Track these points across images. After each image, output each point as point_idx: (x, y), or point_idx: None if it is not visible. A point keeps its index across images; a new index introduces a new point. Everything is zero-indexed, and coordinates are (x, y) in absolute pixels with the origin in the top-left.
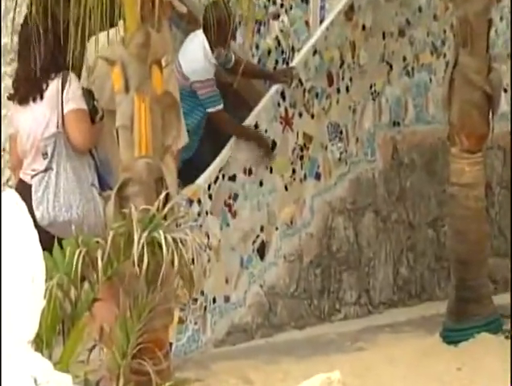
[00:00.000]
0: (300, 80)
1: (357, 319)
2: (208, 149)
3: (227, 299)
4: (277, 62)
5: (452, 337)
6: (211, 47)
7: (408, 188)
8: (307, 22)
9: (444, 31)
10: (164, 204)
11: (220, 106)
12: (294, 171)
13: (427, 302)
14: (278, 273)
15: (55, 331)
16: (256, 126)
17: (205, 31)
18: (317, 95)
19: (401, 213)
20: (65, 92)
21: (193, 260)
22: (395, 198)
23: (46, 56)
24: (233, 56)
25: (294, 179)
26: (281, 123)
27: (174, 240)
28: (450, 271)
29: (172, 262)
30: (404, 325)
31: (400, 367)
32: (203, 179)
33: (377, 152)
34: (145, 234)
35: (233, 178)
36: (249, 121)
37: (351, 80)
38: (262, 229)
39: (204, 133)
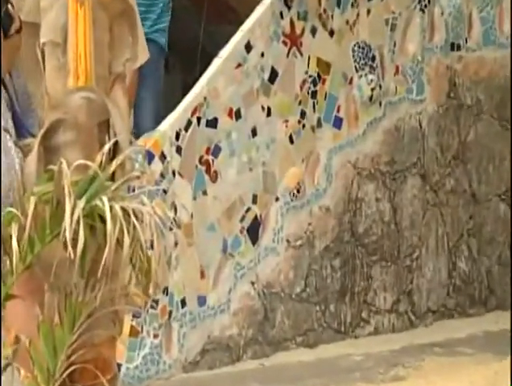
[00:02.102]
0: None
1: (394, 334)
2: (177, 79)
3: (202, 302)
4: None
5: None
6: None
7: (471, 142)
8: None
9: None
10: (111, 159)
11: None
12: (303, 115)
13: (495, 311)
14: (279, 265)
15: None
16: (248, 47)
17: None
18: (339, 2)
19: (460, 179)
20: None
21: (152, 242)
22: (452, 157)
23: None
24: None
25: (303, 127)
26: (285, 43)
27: (124, 211)
28: None
29: (121, 244)
30: (462, 343)
31: None
32: (168, 124)
33: (426, 88)
34: (81, 202)
35: (212, 122)
36: (238, 40)
37: None
38: (254, 200)
39: (172, 51)
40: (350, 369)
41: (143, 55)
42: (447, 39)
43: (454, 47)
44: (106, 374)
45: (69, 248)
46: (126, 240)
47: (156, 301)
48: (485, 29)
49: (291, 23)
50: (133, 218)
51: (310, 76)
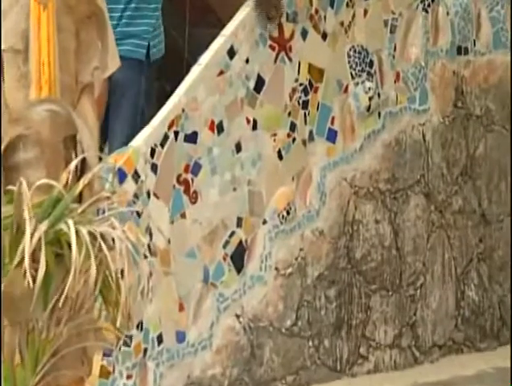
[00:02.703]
0: None
1: (396, 372)
2: (154, 87)
3: (181, 338)
4: None
5: None
6: None
7: (481, 157)
8: None
9: None
10: (78, 178)
11: None
12: (293, 127)
13: (508, 345)
14: (267, 296)
15: None
16: (231, 53)
17: None
18: (332, 1)
19: (468, 198)
20: None
21: (122, 272)
22: (459, 173)
23: None
24: None
25: (293, 141)
26: (272, 48)
27: (92, 236)
28: None
29: (89, 273)
30: (471, 382)
31: None
32: (142, 139)
33: (430, 97)
34: (44, 226)
35: (192, 137)
36: (220, 45)
37: None
38: (239, 223)
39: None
40: None
41: (114, 62)
42: (453, 42)
43: (461, 50)
44: None
45: (28, 277)
46: (93, 268)
47: (130, 338)
48: (496, 30)
49: (280, 25)
50: (102, 243)
51: (300, 84)
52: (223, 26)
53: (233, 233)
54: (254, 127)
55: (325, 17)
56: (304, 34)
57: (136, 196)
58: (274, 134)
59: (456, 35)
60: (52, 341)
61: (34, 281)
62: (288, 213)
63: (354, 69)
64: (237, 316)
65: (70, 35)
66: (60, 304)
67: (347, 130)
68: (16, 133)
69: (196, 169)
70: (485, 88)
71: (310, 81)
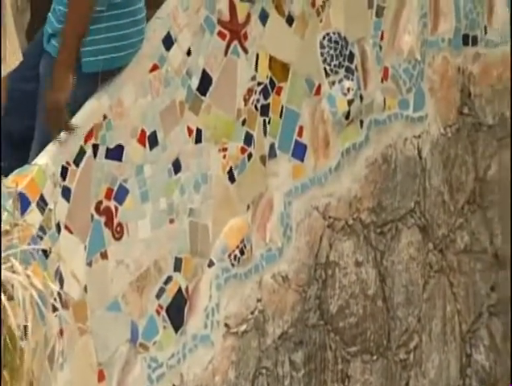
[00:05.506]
0: None
1: None
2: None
3: None
4: None
5: None
6: None
7: (493, 179)
8: None
9: None
10: None
11: None
12: (248, 140)
13: None
14: (213, 361)
15: None
16: (169, 41)
17: None
18: None
19: (477, 234)
20: None
21: (26, 328)
22: (465, 200)
23: None
24: None
25: (248, 157)
26: (222, 36)
27: None
28: None
29: None
30: None
31: None
32: (50, 154)
33: (428, 100)
34: None
35: (116, 152)
36: (153, 31)
37: None
38: (177, 265)
39: None
40: None
41: (15, 56)
42: (458, 29)
43: (468, 39)
44: None
45: None
46: None
47: None
48: None
49: (231, 6)
50: None
51: (259, 84)
52: (158, 5)
53: (169, 279)
54: (198, 139)
55: None
56: (264, 17)
57: (42, 230)
58: (224, 149)
59: (461, 20)
60: None
61: None
62: (242, 253)
63: (329, 64)
64: None
65: None
66: None
67: (319, 144)
68: None
69: (121, 194)
70: (500, 90)
71: (271, 79)
